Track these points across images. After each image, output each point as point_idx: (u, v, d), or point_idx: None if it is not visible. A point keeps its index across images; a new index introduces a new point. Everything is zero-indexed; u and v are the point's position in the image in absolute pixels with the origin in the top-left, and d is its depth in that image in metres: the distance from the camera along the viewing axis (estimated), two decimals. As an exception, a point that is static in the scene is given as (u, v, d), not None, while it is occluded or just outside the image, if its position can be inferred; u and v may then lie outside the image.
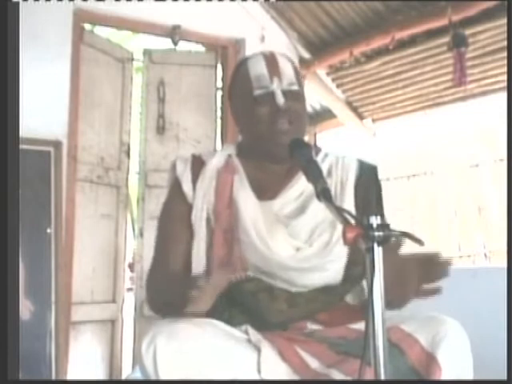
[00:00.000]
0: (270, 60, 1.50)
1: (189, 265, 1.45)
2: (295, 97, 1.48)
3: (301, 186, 1.46)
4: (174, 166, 1.55)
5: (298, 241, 1.43)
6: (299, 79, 1.53)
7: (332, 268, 1.42)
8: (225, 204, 1.45)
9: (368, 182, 1.54)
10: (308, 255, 1.41)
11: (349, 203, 1.47)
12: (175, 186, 1.52)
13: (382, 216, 1.47)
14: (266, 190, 1.48)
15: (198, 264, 1.43)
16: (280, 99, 1.45)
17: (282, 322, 1.37)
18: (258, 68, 1.49)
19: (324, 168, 1.50)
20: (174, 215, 1.50)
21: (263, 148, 1.48)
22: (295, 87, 1.49)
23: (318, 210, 1.41)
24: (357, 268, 1.42)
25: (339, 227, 1.37)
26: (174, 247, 1.47)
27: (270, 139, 1.46)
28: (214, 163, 1.52)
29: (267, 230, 1.41)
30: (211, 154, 1.57)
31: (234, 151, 1.57)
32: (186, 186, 1.49)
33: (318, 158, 1.53)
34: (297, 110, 1.48)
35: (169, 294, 1.36)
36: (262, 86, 1.47)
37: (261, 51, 1.56)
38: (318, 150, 1.59)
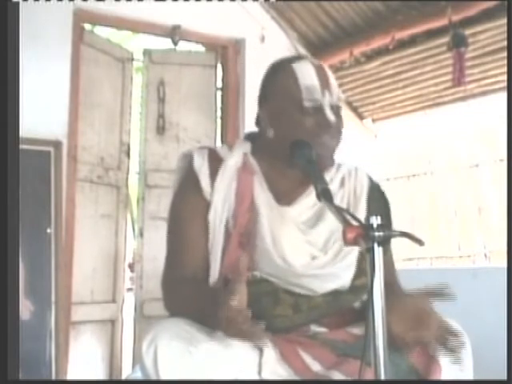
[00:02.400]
0: (320, 71, 1.47)
1: (206, 268, 1.42)
2: (339, 113, 1.48)
3: None
4: (188, 158, 1.51)
5: (314, 248, 1.42)
6: (339, 96, 1.52)
7: (346, 276, 1.41)
8: (245, 207, 1.43)
9: (378, 196, 1.55)
10: (323, 263, 1.40)
11: (362, 213, 1.47)
12: (191, 179, 1.48)
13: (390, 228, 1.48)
14: (283, 194, 1.46)
15: (215, 269, 1.41)
16: (331, 116, 1.44)
17: (286, 327, 1.36)
18: (309, 78, 1.45)
19: (337, 178, 1.52)
20: (191, 211, 1.46)
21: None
22: (340, 104, 1.49)
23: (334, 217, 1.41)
24: (365, 278, 1.41)
25: None
26: (191, 247, 1.44)
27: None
28: (233, 163, 1.48)
29: (285, 236, 1.39)
30: (226, 150, 1.53)
31: (248, 149, 1.54)
32: (204, 182, 1.46)
33: (333, 169, 1.53)
34: (340, 127, 1.48)
35: (187, 302, 1.34)
36: (312, 99, 1.43)
37: (304, 56, 1.55)
38: (332, 162, 1.55)
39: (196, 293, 1.35)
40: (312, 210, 1.45)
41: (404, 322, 1.24)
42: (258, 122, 1.55)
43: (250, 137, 1.59)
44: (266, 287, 1.36)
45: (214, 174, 1.46)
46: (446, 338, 1.22)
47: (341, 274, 1.41)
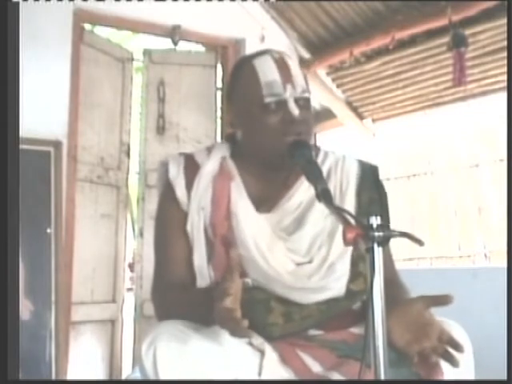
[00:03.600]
0: (281, 64, 1.40)
1: (193, 277, 1.40)
2: (306, 105, 1.41)
3: (299, 196, 1.42)
4: (165, 167, 1.48)
5: (297, 255, 1.39)
6: (307, 83, 1.45)
7: (336, 287, 1.38)
8: (222, 215, 1.40)
9: (371, 185, 1.49)
10: (309, 272, 1.37)
11: (349, 208, 1.42)
12: (168, 190, 1.46)
13: (388, 219, 1.46)
14: (263, 200, 1.43)
15: (202, 277, 1.39)
16: (295, 110, 1.37)
17: (279, 335, 1.33)
18: (269, 73, 1.38)
19: (323, 170, 1.45)
20: (170, 223, 1.45)
21: (266, 156, 1.41)
22: (307, 94, 1.41)
23: (316, 221, 1.39)
24: (361, 281, 1.40)
25: (337, 238, 1.36)
26: (174, 260, 1.42)
27: (277, 150, 1.37)
28: (209, 169, 1.45)
29: (267, 245, 1.37)
30: (204, 155, 1.49)
31: (227, 152, 1.50)
32: (180, 192, 1.43)
33: (319, 159, 1.49)
34: (308, 119, 1.41)
35: (178, 309, 1.33)
36: (273, 94, 1.37)
37: (267, 50, 1.46)
38: (317, 150, 1.53)
39: (186, 298, 1.35)
40: (292, 215, 1.42)
41: (406, 335, 1.23)
42: (231, 124, 1.50)
43: (230, 138, 1.54)
44: (257, 295, 1.34)
45: (190, 184, 1.44)
46: (447, 350, 1.20)
47: (331, 286, 1.37)
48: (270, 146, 1.39)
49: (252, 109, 1.40)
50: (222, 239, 1.39)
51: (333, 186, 1.45)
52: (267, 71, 1.40)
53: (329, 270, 1.38)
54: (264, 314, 1.33)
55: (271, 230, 1.39)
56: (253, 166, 1.45)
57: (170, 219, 1.45)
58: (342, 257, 1.39)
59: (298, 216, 1.42)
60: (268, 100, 1.37)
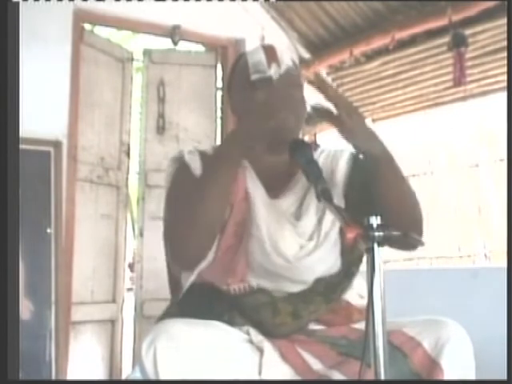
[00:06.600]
0: (268, 49, 1.50)
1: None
2: (293, 83, 1.47)
3: (305, 182, 1.44)
4: (181, 156, 1.51)
5: (302, 239, 1.43)
6: (297, 69, 1.53)
7: (331, 257, 1.43)
8: (241, 197, 1.43)
9: (362, 175, 1.45)
10: (310, 249, 1.41)
11: (339, 195, 1.45)
12: (183, 169, 1.48)
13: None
14: (272, 187, 1.46)
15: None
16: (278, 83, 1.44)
17: (286, 333, 1.35)
18: (256, 56, 1.48)
19: (319, 162, 1.47)
20: (184, 192, 1.42)
21: (259, 135, 1.41)
22: (293, 73, 1.49)
23: (320, 207, 1.42)
24: (352, 258, 1.43)
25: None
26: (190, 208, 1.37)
27: (266, 125, 1.38)
28: None
29: (277, 228, 1.41)
30: None
31: None
32: (196, 167, 1.45)
33: (316, 155, 1.50)
34: (295, 95, 1.46)
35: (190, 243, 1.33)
36: (259, 71, 1.45)
37: (260, 44, 1.57)
38: (315, 148, 1.57)
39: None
40: (299, 201, 1.46)
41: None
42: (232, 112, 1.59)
43: None
44: (263, 298, 1.36)
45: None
46: None
47: (326, 257, 1.42)
48: (259, 123, 1.39)
49: (242, 90, 1.48)
50: (237, 218, 1.41)
51: (324, 171, 1.43)
52: (254, 54, 1.50)
53: (325, 238, 1.42)
54: (271, 316, 1.34)
55: (282, 215, 1.43)
56: (257, 156, 1.47)
57: (184, 189, 1.42)
58: (334, 225, 1.43)
59: (304, 202, 1.45)
60: (254, 77, 1.45)
